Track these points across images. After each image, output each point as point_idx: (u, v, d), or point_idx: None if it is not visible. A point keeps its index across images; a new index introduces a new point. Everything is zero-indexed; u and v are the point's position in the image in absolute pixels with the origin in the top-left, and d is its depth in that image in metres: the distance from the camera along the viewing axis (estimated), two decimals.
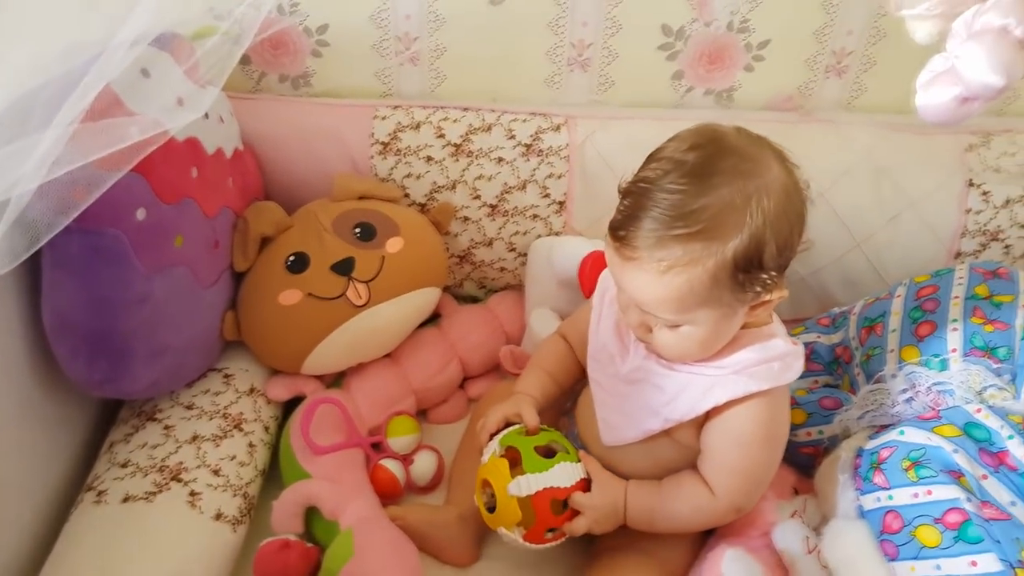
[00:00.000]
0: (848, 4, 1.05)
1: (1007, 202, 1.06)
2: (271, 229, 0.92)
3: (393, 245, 0.93)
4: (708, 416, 0.73)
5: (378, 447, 0.93)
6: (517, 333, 1.05)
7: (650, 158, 0.69)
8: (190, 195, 0.82)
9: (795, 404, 0.91)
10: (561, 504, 0.76)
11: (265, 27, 0.98)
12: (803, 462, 0.90)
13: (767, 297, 0.68)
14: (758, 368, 0.70)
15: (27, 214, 0.61)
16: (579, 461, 0.79)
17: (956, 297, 0.86)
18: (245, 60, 1.04)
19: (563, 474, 0.76)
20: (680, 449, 0.76)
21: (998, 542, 0.67)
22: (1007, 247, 1.08)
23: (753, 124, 1.04)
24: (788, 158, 0.70)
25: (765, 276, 0.66)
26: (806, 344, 0.99)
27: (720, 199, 0.64)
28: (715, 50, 1.07)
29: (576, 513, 0.76)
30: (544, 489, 0.75)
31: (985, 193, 1.06)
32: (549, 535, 0.77)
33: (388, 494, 0.90)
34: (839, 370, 0.96)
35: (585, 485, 0.78)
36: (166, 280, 0.80)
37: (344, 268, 0.90)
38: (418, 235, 0.96)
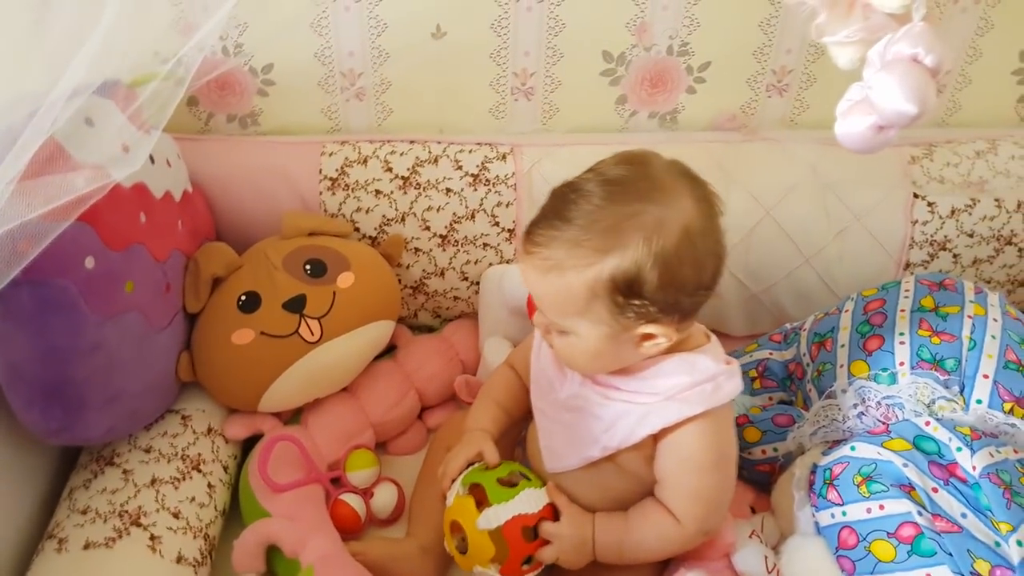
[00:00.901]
0: (785, 23, 1.07)
1: (952, 212, 1.08)
2: (222, 270, 0.92)
3: (344, 280, 0.94)
4: (656, 444, 0.73)
5: (337, 482, 0.93)
6: (473, 361, 1.06)
7: (588, 168, 0.72)
8: (139, 240, 0.83)
9: (749, 422, 0.93)
10: (532, 531, 0.77)
11: (210, 69, 1.00)
12: (759, 479, 0.91)
13: (648, 330, 0.69)
14: (690, 392, 0.71)
15: None
16: (542, 487, 0.79)
17: (903, 310, 0.88)
18: (193, 102, 1.05)
19: (529, 500, 0.77)
20: (627, 476, 0.77)
21: (950, 554, 0.69)
22: (955, 256, 1.10)
23: (698, 144, 1.09)
24: (715, 206, 0.70)
25: (642, 306, 0.67)
26: (759, 361, 1.01)
27: (616, 217, 0.66)
28: (656, 74, 1.09)
29: (547, 541, 0.77)
30: (512, 518, 0.75)
31: (930, 204, 1.08)
32: (525, 567, 0.77)
33: (349, 529, 0.90)
34: (792, 386, 0.97)
35: (552, 511, 0.78)
36: (118, 326, 0.80)
37: (296, 305, 0.90)
38: (369, 269, 0.97)
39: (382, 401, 1.00)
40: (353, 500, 0.91)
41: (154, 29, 0.86)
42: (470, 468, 0.81)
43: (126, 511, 0.82)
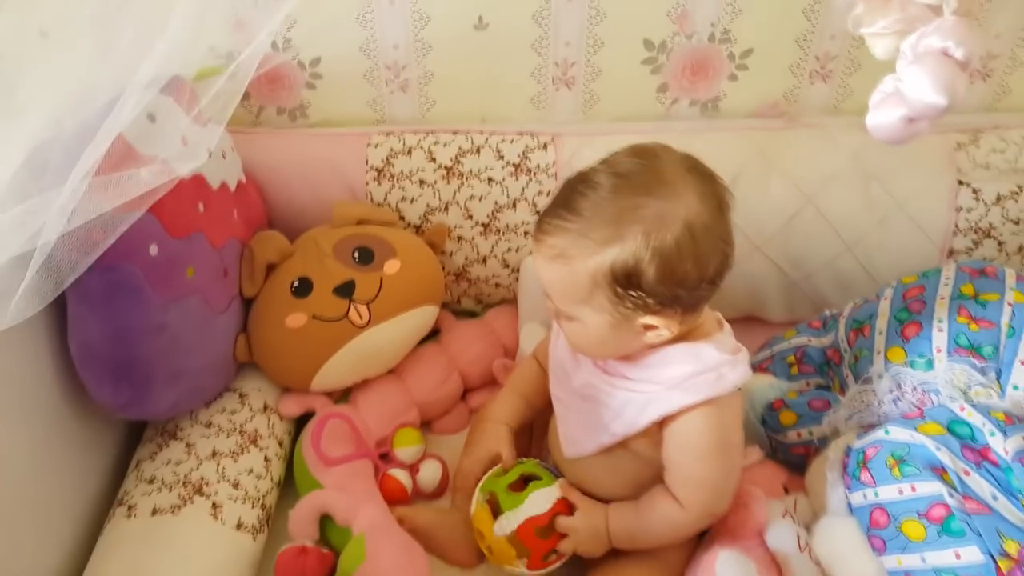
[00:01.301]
0: (829, 8, 1.07)
1: (998, 199, 1.07)
2: (275, 256, 0.97)
3: (391, 267, 0.98)
4: (662, 431, 0.75)
5: (385, 458, 0.98)
6: (514, 345, 1.09)
7: (601, 160, 0.74)
8: (198, 229, 0.88)
9: (784, 406, 0.94)
10: (546, 529, 0.81)
11: (262, 63, 1.04)
12: (795, 462, 0.92)
13: (650, 321, 0.70)
14: (692, 381, 0.72)
15: (51, 258, 0.67)
16: (553, 483, 0.83)
17: (942, 297, 0.88)
18: (245, 96, 1.08)
19: (537, 501, 0.82)
20: (640, 461, 0.79)
21: (980, 535, 0.69)
22: (1000, 244, 1.09)
23: (739, 132, 1.10)
24: (723, 202, 0.71)
25: (640, 298, 0.68)
26: (797, 347, 1.02)
27: (619, 209, 0.67)
28: (698, 62, 1.10)
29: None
30: (524, 521, 0.81)
31: (975, 191, 1.07)
32: (551, 557, 0.82)
33: (396, 501, 0.94)
34: (830, 372, 0.98)
35: (566, 505, 0.82)
36: (180, 309, 0.86)
37: (345, 291, 0.95)
38: (414, 256, 1.00)
39: (427, 382, 1.04)
40: (400, 474, 0.96)
41: (211, 27, 0.90)
42: (487, 475, 0.86)
43: (190, 481, 0.87)
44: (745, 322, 1.18)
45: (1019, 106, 1.15)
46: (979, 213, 1.07)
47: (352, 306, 0.94)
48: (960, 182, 1.06)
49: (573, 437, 0.82)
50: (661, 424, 0.75)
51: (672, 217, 0.67)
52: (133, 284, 0.80)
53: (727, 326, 0.79)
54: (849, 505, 0.80)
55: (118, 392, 0.84)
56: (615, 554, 0.84)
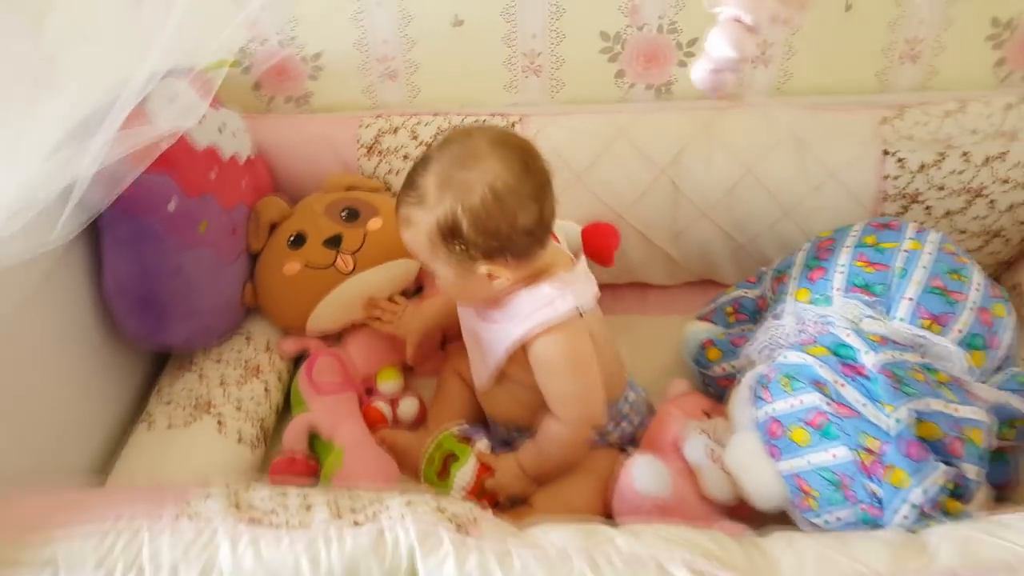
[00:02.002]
0: (788, 28, 1.20)
1: (922, 167, 1.17)
2: (277, 216, 1.14)
3: (374, 224, 1.13)
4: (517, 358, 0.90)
5: (370, 393, 1.13)
6: None
7: (435, 143, 0.89)
8: (210, 191, 1.05)
9: (713, 344, 1.07)
10: (480, 492, 0.96)
11: (270, 57, 1.22)
12: (721, 393, 1.05)
13: (486, 268, 0.85)
14: (532, 315, 0.87)
15: (85, 194, 0.84)
16: (469, 458, 0.97)
17: (847, 246, 1.00)
18: (256, 86, 1.28)
19: (464, 477, 0.97)
20: (525, 387, 0.93)
21: (848, 435, 0.81)
22: (928, 208, 1.20)
23: (687, 112, 1.23)
24: (529, 167, 0.84)
25: (465, 248, 0.83)
26: (734, 299, 1.15)
27: (439, 180, 0.83)
28: (650, 50, 1.24)
29: None
30: (462, 496, 0.95)
31: (900, 160, 1.18)
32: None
33: (378, 428, 1.09)
34: (760, 318, 1.10)
35: (485, 468, 0.97)
36: (194, 256, 1.02)
37: (334, 243, 1.11)
38: (395, 216, 1.16)
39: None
40: (382, 405, 1.11)
41: (222, 24, 1.08)
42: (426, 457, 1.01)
43: (200, 402, 1.04)
44: (702, 285, 1.31)
45: (946, 85, 1.26)
46: (905, 180, 1.18)
47: (339, 256, 1.10)
48: (886, 152, 1.18)
49: (476, 372, 0.99)
50: (526, 352, 0.89)
51: (476, 182, 0.82)
52: (154, 232, 0.97)
53: (579, 266, 0.93)
54: (755, 422, 0.92)
55: (141, 324, 1.01)
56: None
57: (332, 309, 1.12)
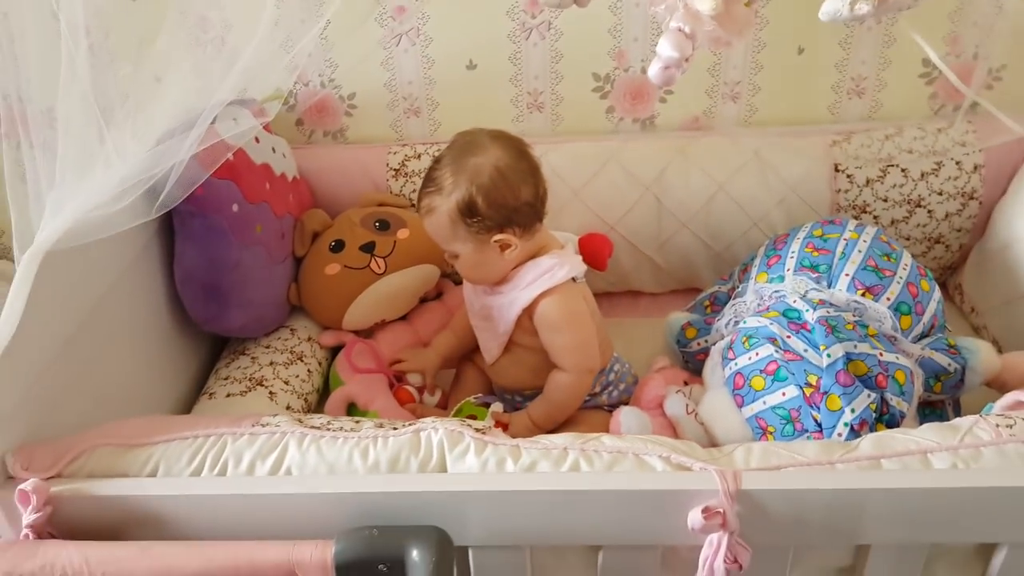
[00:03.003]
0: (731, 48, 1.42)
1: (868, 181, 1.38)
2: (319, 226, 1.34)
3: (402, 234, 1.33)
4: (533, 323, 1.08)
5: (399, 379, 1.31)
6: None
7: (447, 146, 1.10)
8: (265, 200, 1.25)
9: (690, 325, 1.25)
10: None
11: (312, 96, 1.45)
12: (698, 367, 1.22)
13: (500, 238, 1.03)
14: (534, 282, 1.06)
15: (168, 194, 1.04)
16: (487, 417, 1.13)
17: (798, 239, 1.20)
18: (299, 122, 1.50)
19: None
20: (530, 351, 1.11)
21: (795, 375, 0.99)
22: (876, 218, 1.40)
23: (667, 140, 1.45)
24: (524, 152, 1.06)
25: (482, 221, 1.02)
26: (710, 294, 1.33)
27: (454, 171, 1.04)
28: (635, 89, 1.46)
29: None
30: None
31: (849, 176, 1.38)
32: None
33: (407, 405, 1.24)
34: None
35: (501, 426, 1.09)
36: (251, 254, 1.22)
37: (368, 248, 1.31)
38: (420, 227, 1.31)
39: (430, 326, 1.38)
40: (411, 388, 1.26)
41: (277, 67, 1.30)
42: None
43: (253, 378, 1.22)
44: (686, 292, 1.49)
45: (889, 117, 1.47)
46: (855, 193, 1.38)
47: (373, 259, 1.30)
48: (837, 169, 1.38)
49: (486, 347, 1.17)
50: (531, 317, 1.07)
51: (484, 165, 1.03)
52: (220, 228, 1.17)
53: (568, 247, 1.13)
54: (724, 379, 1.09)
55: (206, 308, 1.20)
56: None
57: (366, 307, 1.30)
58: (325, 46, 1.41)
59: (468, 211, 1.02)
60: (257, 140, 1.27)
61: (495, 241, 1.04)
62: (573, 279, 1.08)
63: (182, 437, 0.86)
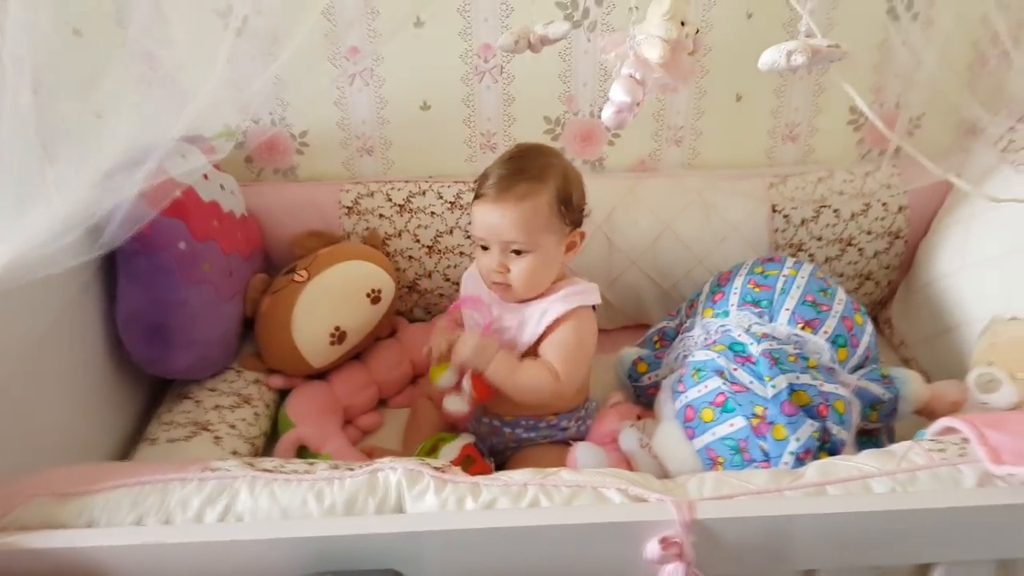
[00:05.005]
0: (676, 93, 1.49)
1: (803, 222, 1.45)
2: (263, 288, 1.34)
3: (324, 250, 1.34)
4: (546, 331, 1.11)
5: (349, 422, 1.30)
6: None
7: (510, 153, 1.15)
8: (213, 238, 1.24)
9: (641, 360, 1.27)
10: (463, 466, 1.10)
11: (262, 134, 1.45)
12: (650, 402, 1.24)
13: (573, 236, 1.11)
14: (572, 296, 1.11)
15: (111, 232, 1.02)
16: (459, 437, 1.16)
17: (740, 275, 1.24)
18: (248, 159, 1.49)
19: (450, 453, 1.13)
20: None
21: (742, 406, 1.02)
22: (811, 255, 1.46)
23: (616, 181, 1.49)
24: (568, 162, 1.17)
25: (571, 214, 1.10)
26: (659, 329, 1.36)
27: (539, 163, 1.11)
28: (584, 132, 1.51)
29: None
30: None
31: (786, 216, 1.45)
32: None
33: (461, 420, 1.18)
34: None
35: (482, 387, 1.11)
36: (197, 292, 1.19)
37: (290, 270, 1.32)
38: (346, 244, 1.38)
39: (383, 364, 1.37)
40: (454, 403, 1.14)
41: (228, 105, 1.29)
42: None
43: (197, 422, 1.18)
44: (636, 328, 1.52)
45: (821, 160, 1.55)
46: (791, 232, 1.44)
47: (294, 273, 1.30)
48: (774, 209, 1.45)
49: None
50: (549, 328, 1.11)
51: (560, 166, 1.13)
52: (167, 266, 1.14)
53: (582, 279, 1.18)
54: (675, 412, 1.12)
55: (149, 349, 1.17)
56: (523, 457, 1.16)
57: (308, 316, 1.27)
58: (277, 85, 1.41)
59: (566, 200, 1.10)
60: (206, 177, 1.26)
61: (569, 239, 1.12)
62: (593, 307, 1.15)
63: (124, 485, 0.82)
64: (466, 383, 1.12)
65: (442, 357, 1.15)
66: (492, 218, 1.09)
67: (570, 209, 1.11)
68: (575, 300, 1.11)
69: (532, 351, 1.13)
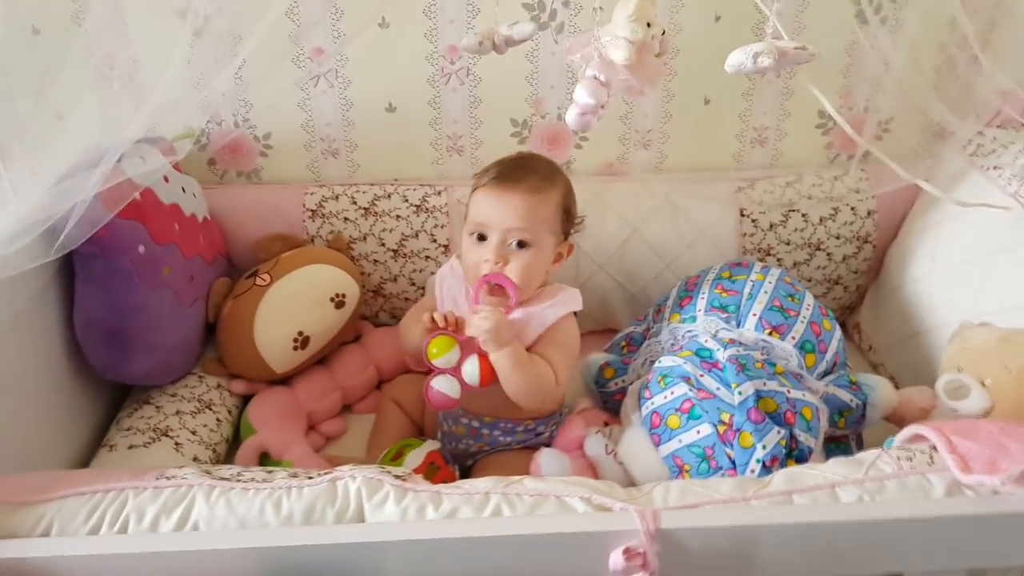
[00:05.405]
0: (643, 96, 1.48)
1: (771, 225, 1.45)
2: (225, 291, 1.31)
3: (286, 254, 1.32)
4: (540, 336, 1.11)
5: (312, 428, 1.27)
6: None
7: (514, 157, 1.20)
8: (173, 241, 1.21)
9: (608, 366, 1.27)
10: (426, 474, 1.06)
11: (225, 136, 1.42)
12: (616, 408, 1.23)
13: (561, 248, 1.14)
14: (565, 302, 1.13)
15: (65, 231, 0.99)
16: (424, 444, 1.15)
17: (708, 280, 1.24)
18: (211, 162, 1.46)
19: (414, 461, 1.11)
20: None
21: (709, 412, 1.01)
22: (779, 260, 1.46)
23: (584, 184, 1.47)
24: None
25: (569, 222, 1.15)
26: (626, 334, 1.35)
27: (548, 167, 1.16)
28: (552, 135, 1.50)
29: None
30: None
31: (754, 220, 1.45)
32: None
33: (446, 405, 1.10)
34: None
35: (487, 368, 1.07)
36: (158, 297, 1.16)
37: (252, 274, 1.29)
38: (310, 248, 1.36)
39: (348, 369, 1.35)
40: (445, 385, 1.08)
41: (188, 105, 1.26)
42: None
43: (158, 428, 1.15)
44: (603, 333, 1.52)
45: (789, 164, 1.55)
46: (759, 237, 1.45)
47: (257, 277, 1.28)
48: (742, 214, 1.45)
49: None
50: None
51: (565, 177, 1.17)
52: (126, 270, 1.11)
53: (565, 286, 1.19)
54: (641, 419, 1.11)
55: (107, 355, 1.14)
56: (488, 463, 1.14)
57: (271, 321, 1.25)
58: (240, 86, 1.39)
59: (568, 208, 1.15)
60: (166, 179, 1.23)
61: (559, 247, 1.14)
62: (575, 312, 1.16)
63: (78, 493, 0.80)
64: (468, 366, 1.07)
65: (443, 330, 1.08)
66: (500, 204, 1.10)
67: (568, 218, 1.15)
68: (568, 305, 1.13)
69: None
